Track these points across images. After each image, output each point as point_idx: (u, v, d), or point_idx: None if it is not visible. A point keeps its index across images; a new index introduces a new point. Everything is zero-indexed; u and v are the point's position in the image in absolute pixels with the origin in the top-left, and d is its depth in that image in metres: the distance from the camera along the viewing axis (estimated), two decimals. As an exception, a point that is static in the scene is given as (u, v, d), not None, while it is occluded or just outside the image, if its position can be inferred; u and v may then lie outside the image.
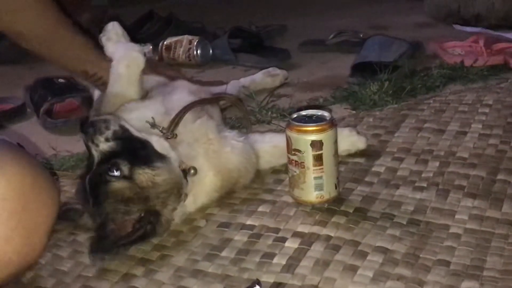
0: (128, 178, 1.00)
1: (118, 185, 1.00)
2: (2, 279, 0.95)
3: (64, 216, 1.07)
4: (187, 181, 1.07)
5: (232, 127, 1.34)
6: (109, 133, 1.03)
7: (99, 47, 1.35)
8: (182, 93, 1.26)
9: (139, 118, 1.13)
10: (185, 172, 1.07)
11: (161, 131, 1.11)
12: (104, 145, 1.02)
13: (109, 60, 1.30)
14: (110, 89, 1.24)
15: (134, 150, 1.03)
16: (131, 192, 1.00)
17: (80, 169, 1.29)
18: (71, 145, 1.45)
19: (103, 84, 1.32)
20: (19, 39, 1.29)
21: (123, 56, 1.26)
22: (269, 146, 1.24)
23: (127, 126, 1.06)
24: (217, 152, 1.14)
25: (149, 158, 1.03)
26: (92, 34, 1.41)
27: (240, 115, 1.40)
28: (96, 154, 1.03)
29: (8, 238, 0.93)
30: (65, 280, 0.99)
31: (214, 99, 1.31)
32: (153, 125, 1.12)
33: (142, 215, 1.00)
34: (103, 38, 1.35)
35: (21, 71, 2.05)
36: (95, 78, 1.34)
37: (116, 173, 1.00)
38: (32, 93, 1.67)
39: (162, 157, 1.05)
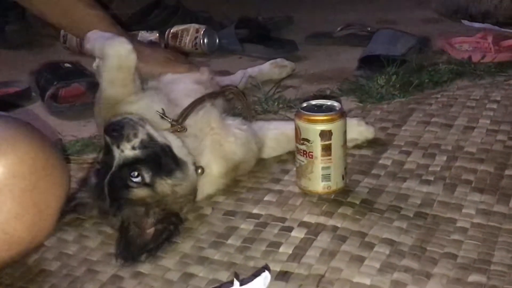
0: (149, 185, 0.99)
1: (139, 192, 0.99)
2: (12, 257, 0.95)
3: (74, 210, 1.06)
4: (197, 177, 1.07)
5: (236, 115, 1.33)
6: (136, 141, 1.00)
7: (112, 21, 1.28)
8: (186, 83, 1.24)
9: (144, 109, 1.10)
10: (195, 168, 1.07)
11: (171, 123, 1.10)
12: (129, 152, 0.99)
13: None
14: (103, 94, 1.14)
15: (157, 158, 1.01)
16: (151, 199, 0.99)
17: (87, 154, 1.30)
18: (77, 130, 1.45)
19: None
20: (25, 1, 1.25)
21: (111, 55, 1.13)
22: (275, 133, 1.24)
23: (153, 133, 1.03)
24: (221, 142, 1.14)
25: (170, 167, 1.02)
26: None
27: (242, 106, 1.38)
28: (117, 156, 0.99)
29: (19, 216, 0.92)
30: (70, 263, 0.99)
31: (221, 93, 1.29)
32: (163, 116, 1.10)
33: (162, 216, 0.99)
34: (87, 46, 1.21)
35: (27, 56, 2.05)
36: None
37: (138, 180, 0.98)
38: (38, 77, 1.66)
39: (181, 164, 1.03)
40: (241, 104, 1.35)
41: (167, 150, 1.03)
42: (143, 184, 0.99)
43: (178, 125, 1.10)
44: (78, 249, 1.02)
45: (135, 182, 0.99)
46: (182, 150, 1.06)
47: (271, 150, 1.24)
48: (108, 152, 1.01)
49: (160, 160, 1.02)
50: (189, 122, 1.12)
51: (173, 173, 1.02)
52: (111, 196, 0.99)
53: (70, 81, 1.61)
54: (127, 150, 1.00)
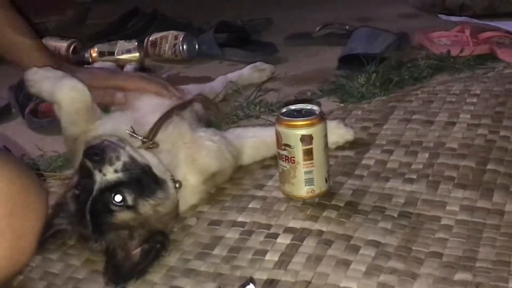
0: (132, 207, 0.98)
1: (122, 215, 0.97)
2: None
3: (53, 237, 1.03)
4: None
5: (209, 125, 1.32)
6: (119, 165, 0.98)
7: (45, 49, 1.25)
8: (150, 98, 1.23)
9: (111, 131, 1.08)
10: (174, 183, 1.06)
11: (142, 141, 1.08)
12: (112, 175, 0.98)
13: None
14: (65, 133, 1.16)
15: (138, 180, 1.00)
16: (134, 221, 0.98)
17: (68, 170, 1.28)
18: (58, 145, 1.43)
19: None
20: None
21: (65, 101, 1.13)
22: (254, 141, 1.23)
23: (134, 154, 1.02)
24: (194, 157, 1.13)
25: (151, 187, 1.00)
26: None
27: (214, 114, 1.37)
28: (99, 180, 0.97)
29: None
30: (56, 282, 0.98)
31: (188, 103, 1.27)
32: (133, 134, 1.09)
33: (147, 236, 0.98)
34: (32, 90, 1.18)
35: (5, 71, 2.02)
36: None
37: (121, 203, 0.97)
38: (17, 92, 1.65)
39: (161, 183, 1.03)
40: (213, 112, 1.35)
41: (147, 170, 1.02)
42: (126, 206, 0.97)
43: (149, 141, 1.09)
44: (63, 268, 1.01)
45: (118, 206, 0.97)
46: (160, 167, 1.05)
47: (250, 158, 1.24)
48: (87, 175, 0.98)
49: (142, 181, 1.00)
50: (160, 137, 1.11)
51: (154, 193, 1.01)
52: (93, 221, 0.97)
53: (50, 95, 1.60)
54: (109, 174, 0.98)
